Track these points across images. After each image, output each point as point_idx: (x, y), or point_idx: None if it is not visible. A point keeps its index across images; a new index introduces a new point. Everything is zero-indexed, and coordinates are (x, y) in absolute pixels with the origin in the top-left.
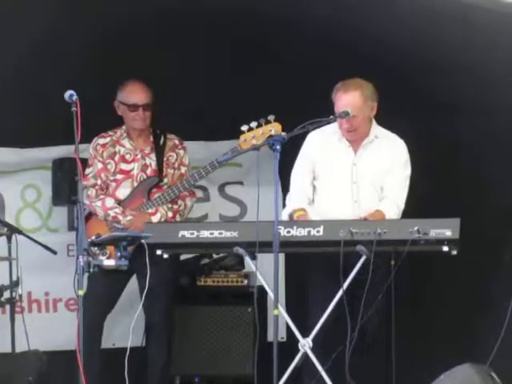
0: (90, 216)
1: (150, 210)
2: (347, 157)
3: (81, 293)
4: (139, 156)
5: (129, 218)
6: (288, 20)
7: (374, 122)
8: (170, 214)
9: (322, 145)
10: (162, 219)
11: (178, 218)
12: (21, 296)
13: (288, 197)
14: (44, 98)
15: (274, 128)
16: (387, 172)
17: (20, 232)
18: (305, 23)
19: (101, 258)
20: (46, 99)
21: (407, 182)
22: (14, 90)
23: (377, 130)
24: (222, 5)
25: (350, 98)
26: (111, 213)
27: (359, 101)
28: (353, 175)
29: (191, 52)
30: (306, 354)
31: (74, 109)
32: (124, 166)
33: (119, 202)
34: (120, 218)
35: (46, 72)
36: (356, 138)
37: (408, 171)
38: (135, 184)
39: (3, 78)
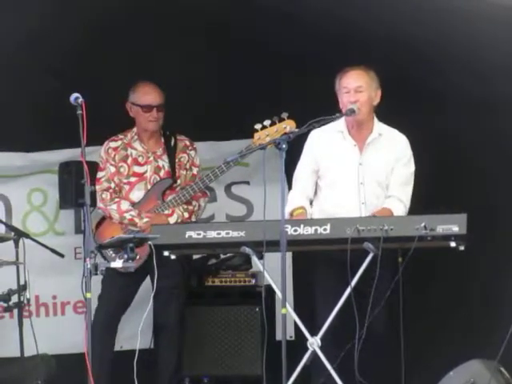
0: (103, 219)
1: (166, 212)
2: (353, 156)
3: (88, 295)
4: (152, 158)
5: (145, 220)
6: (289, 16)
7: (375, 118)
8: (186, 215)
9: (326, 143)
10: (179, 220)
11: (193, 219)
12: (28, 300)
13: (289, 195)
14: (49, 102)
15: (289, 125)
16: (392, 170)
17: (27, 236)
18: (305, 19)
19: (118, 260)
20: (51, 102)
21: (412, 179)
22: (18, 93)
23: (380, 126)
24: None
25: (357, 73)
26: (127, 215)
27: (366, 77)
28: (359, 176)
29: (198, 52)
30: (314, 353)
31: (79, 112)
32: (137, 169)
33: (133, 205)
34: (136, 220)
35: (51, 75)
36: (359, 120)
37: (412, 168)
38: (149, 186)
39: (8, 82)
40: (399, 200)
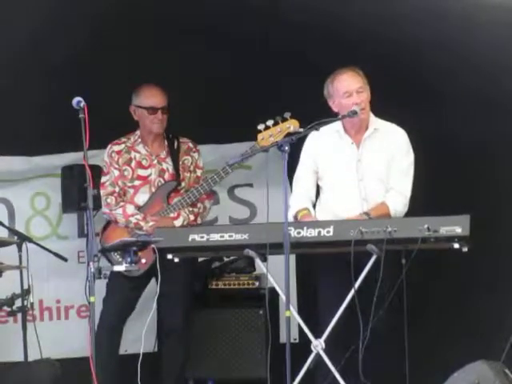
0: (108, 223)
1: (171, 215)
2: (351, 154)
3: (92, 299)
4: (155, 161)
5: (151, 223)
6: (289, 16)
7: (371, 113)
8: (192, 217)
9: (323, 144)
10: (185, 223)
11: (198, 221)
12: (32, 304)
13: (291, 199)
14: (51, 105)
15: (292, 125)
16: (391, 163)
17: (30, 240)
18: (305, 19)
19: (124, 264)
20: (53, 106)
21: (411, 170)
22: (20, 97)
23: (375, 121)
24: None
25: (352, 75)
26: (133, 219)
27: (360, 77)
28: (358, 172)
29: (198, 53)
30: (318, 355)
31: (81, 115)
32: (141, 172)
33: (138, 208)
34: (142, 224)
35: (53, 79)
36: (364, 119)
37: (410, 158)
38: (153, 189)
39: (9, 85)
40: (399, 192)
